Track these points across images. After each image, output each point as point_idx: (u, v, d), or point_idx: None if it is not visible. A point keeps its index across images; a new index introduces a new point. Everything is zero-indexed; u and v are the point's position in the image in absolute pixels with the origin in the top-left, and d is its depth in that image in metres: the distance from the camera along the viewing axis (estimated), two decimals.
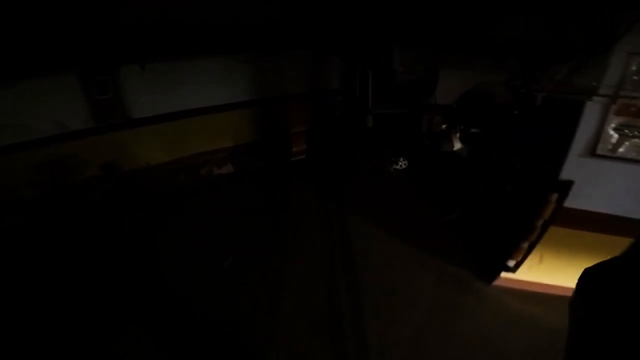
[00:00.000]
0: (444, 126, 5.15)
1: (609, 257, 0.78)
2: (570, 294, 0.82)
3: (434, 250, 3.14)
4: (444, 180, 4.24)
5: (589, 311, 0.74)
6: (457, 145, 4.90)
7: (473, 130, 4.82)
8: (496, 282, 2.77)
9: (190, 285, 2.79)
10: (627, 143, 1.86)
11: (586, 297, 0.76)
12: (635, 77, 1.75)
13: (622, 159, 1.90)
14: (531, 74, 2.85)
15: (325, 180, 4.46)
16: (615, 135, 1.87)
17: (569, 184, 2.07)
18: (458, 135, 4.92)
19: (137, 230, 3.50)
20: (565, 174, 2.06)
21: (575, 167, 2.01)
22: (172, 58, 3.81)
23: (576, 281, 0.79)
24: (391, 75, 4.34)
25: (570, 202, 2.12)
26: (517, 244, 2.51)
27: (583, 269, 0.79)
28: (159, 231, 3.49)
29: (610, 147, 1.89)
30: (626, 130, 1.84)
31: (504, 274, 2.72)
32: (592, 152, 1.93)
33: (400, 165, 4.60)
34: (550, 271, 2.59)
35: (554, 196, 2.15)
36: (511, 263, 2.63)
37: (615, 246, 1.04)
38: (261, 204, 3.96)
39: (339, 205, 3.85)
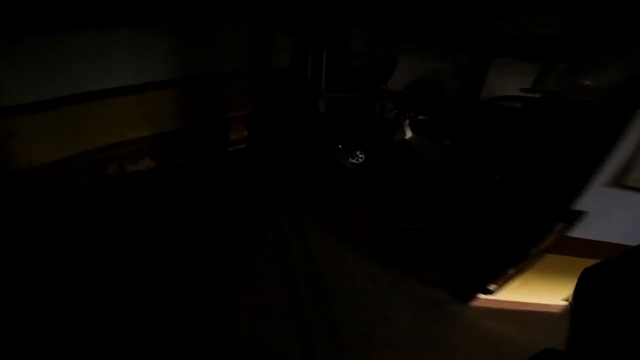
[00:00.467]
0: (394, 112, 4.80)
1: None
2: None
3: (404, 268, 2.80)
4: (404, 181, 3.90)
5: (588, 311, 0.73)
6: (409, 134, 4.61)
7: (421, 117, 4.56)
8: (473, 303, 2.54)
9: None
10: None
11: (585, 297, 0.75)
12: None
13: None
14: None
15: (271, 177, 3.78)
16: None
17: (580, 215, 1.79)
18: (408, 122, 4.63)
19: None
20: (579, 203, 1.76)
21: (593, 197, 1.71)
22: (60, 30, 2.70)
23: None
24: (348, 58, 3.74)
25: (577, 232, 1.86)
26: (503, 269, 2.25)
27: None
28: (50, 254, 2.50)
29: None
30: None
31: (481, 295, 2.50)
32: (618, 182, 1.64)
33: (357, 159, 4.12)
34: (530, 290, 2.42)
35: (559, 226, 1.87)
36: (492, 287, 2.39)
37: None
38: (191, 209, 3.15)
39: (292, 213, 3.25)
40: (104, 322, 2.10)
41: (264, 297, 2.42)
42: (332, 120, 3.99)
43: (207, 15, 3.49)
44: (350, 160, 4.11)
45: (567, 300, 2.39)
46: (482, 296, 2.49)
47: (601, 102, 1.88)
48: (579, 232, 1.85)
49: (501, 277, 2.29)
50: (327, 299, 2.46)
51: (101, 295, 2.27)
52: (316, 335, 2.21)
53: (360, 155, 4.11)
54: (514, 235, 2.18)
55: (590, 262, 0.76)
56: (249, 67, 4.03)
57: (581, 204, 1.75)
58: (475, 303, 2.53)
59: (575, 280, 0.76)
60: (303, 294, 2.47)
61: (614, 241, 1.86)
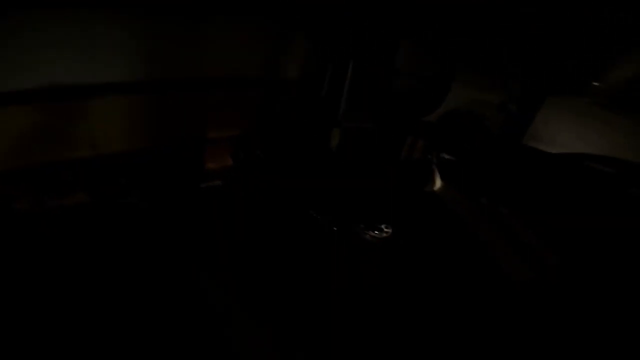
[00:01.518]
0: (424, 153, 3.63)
1: None
2: None
3: None
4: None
5: None
6: (438, 183, 3.41)
7: (447, 157, 3.38)
8: None
9: None
10: None
11: None
12: None
13: None
14: None
15: (258, 251, 2.51)
16: None
17: None
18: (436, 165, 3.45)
19: None
20: None
21: None
22: None
23: None
24: (386, 76, 2.66)
25: None
26: None
27: None
28: None
29: None
30: None
31: None
32: None
33: (382, 233, 2.84)
34: None
35: None
36: None
37: None
38: (132, 285, 2.08)
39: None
40: None
41: None
42: (346, 162, 2.91)
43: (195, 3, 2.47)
44: (373, 233, 2.79)
45: None
46: None
47: None
48: None
49: None
50: None
51: None
52: None
53: (387, 230, 2.84)
54: None
55: None
56: (243, 73, 2.95)
57: None
58: None
59: None
60: None
61: None
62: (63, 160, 2.44)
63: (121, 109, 2.58)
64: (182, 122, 2.88)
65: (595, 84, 2.48)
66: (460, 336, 1.97)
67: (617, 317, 1.96)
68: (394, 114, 2.89)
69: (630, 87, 2.27)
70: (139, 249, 2.28)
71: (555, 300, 2.04)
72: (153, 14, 2.41)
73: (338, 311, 2.05)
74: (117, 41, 2.37)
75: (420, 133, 3.38)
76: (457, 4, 2.53)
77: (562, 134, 2.77)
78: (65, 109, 2.38)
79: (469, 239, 2.59)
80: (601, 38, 2.25)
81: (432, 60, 2.81)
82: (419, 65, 2.78)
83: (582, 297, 2.06)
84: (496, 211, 2.75)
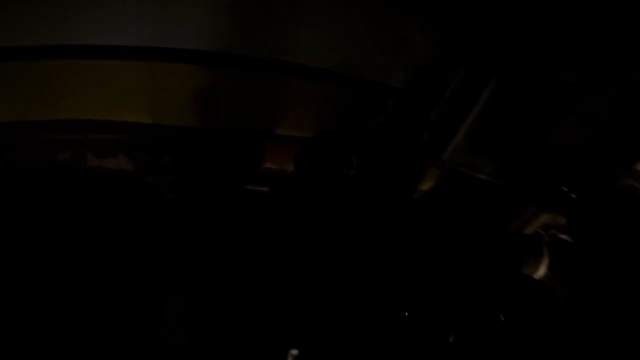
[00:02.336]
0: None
1: None
2: None
3: None
4: None
5: None
6: (542, 271, 2.26)
7: (565, 237, 2.16)
8: None
9: None
10: None
11: None
12: None
13: None
14: None
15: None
16: None
17: None
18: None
19: None
20: None
21: None
22: None
23: None
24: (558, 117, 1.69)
25: None
26: None
27: None
28: None
29: None
30: None
31: None
32: None
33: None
34: None
35: None
36: None
37: None
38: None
39: None
40: None
41: None
42: (430, 220, 2.04)
43: None
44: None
45: None
46: None
47: None
48: None
49: None
50: None
51: None
52: None
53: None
54: None
55: None
56: (334, 66, 2.31)
57: None
58: None
59: None
60: None
61: None
62: (117, 121, 2.21)
63: (188, 79, 2.22)
64: (250, 107, 2.41)
65: None
66: None
67: None
68: (543, 173, 1.90)
69: None
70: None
71: None
72: None
73: None
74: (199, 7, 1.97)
75: (554, 206, 2.27)
76: None
77: None
78: (130, 67, 2.10)
79: None
80: None
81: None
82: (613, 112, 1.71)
83: None
84: None
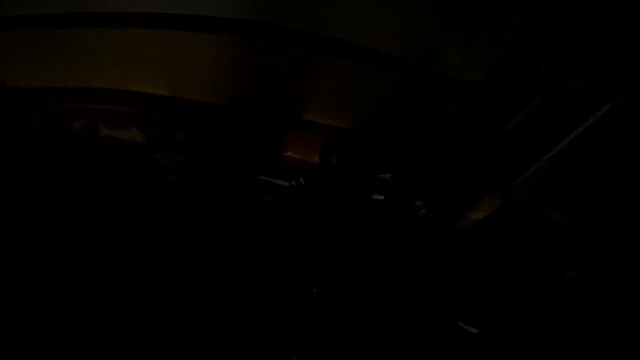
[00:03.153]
0: None
1: None
2: None
3: None
4: None
5: None
6: None
7: None
8: None
9: None
10: None
11: None
12: None
13: None
14: None
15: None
16: None
17: None
18: None
19: None
20: None
21: None
22: None
23: None
24: None
25: None
26: None
27: None
28: None
29: None
30: None
31: None
32: None
33: None
34: None
35: None
36: None
37: None
38: None
39: None
40: None
41: None
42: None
43: None
44: None
45: None
46: None
47: None
48: None
49: None
50: None
51: None
52: None
53: None
54: None
55: None
56: (383, 45, 1.91)
57: None
58: None
59: None
60: None
61: None
62: (133, 92, 2.05)
63: (210, 50, 1.98)
64: (276, 86, 2.10)
65: None
66: None
67: None
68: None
69: None
70: None
71: None
72: None
73: None
74: None
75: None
76: None
77: None
78: (149, 36, 1.91)
79: None
80: None
81: None
82: None
83: None
84: None
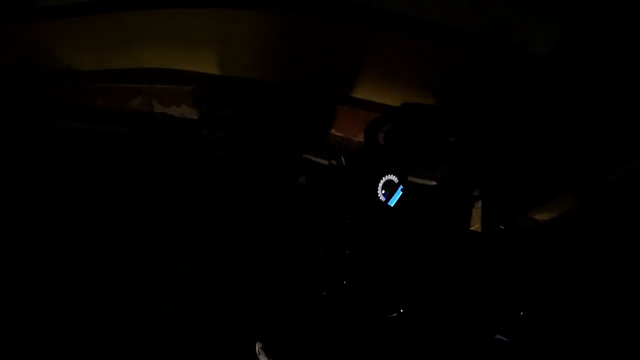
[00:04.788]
0: None
1: None
2: None
3: None
4: None
5: None
6: None
7: None
8: None
9: None
10: None
11: None
12: None
13: None
14: None
15: None
16: None
17: None
18: None
19: None
20: None
21: None
22: None
23: None
24: None
25: None
26: None
27: None
28: None
29: None
30: None
31: None
32: None
33: None
34: None
35: None
36: None
37: None
38: None
39: None
40: None
41: None
42: None
43: None
44: None
45: None
46: None
47: None
48: None
49: None
50: None
51: None
52: None
53: None
54: None
55: None
56: (447, 18, 1.69)
57: None
58: None
59: None
60: None
61: None
62: (183, 71, 2.09)
63: (259, 27, 1.90)
64: (326, 62, 1.98)
65: None
66: None
67: None
68: None
69: None
70: None
71: None
72: None
73: None
74: None
75: None
76: None
77: None
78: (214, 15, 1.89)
79: None
80: None
81: None
82: None
83: None
84: None
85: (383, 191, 1.49)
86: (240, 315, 1.55)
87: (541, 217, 1.78)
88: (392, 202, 1.51)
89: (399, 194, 1.52)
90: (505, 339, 1.30)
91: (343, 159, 1.81)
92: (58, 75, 2.13)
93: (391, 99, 2.04)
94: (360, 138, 2.08)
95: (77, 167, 1.98)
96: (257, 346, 1.45)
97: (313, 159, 2.02)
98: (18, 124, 2.12)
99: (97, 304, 1.50)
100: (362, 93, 2.07)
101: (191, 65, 2.06)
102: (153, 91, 2.14)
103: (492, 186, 2.01)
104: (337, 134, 2.11)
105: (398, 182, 1.52)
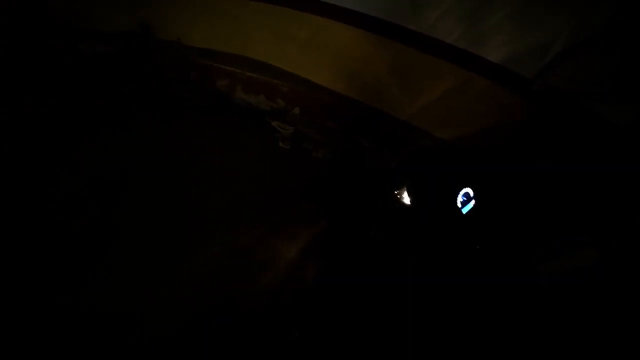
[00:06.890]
0: None
1: None
2: None
3: None
4: None
5: None
6: None
7: None
8: None
9: None
10: None
11: None
12: None
13: None
14: None
15: None
16: None
17: None
18: None
19: None
20: None
21: None
22: None
23: None
24: None
25: None
26: None
27: None
28: None
29: None
30: None
31: None
32: None
33: None
34: None
35: None
36: None
37: None
38: None
39: None
40: None
41: None
42: None
43: None
44: None
45: None
46: None
47: None
48: None
49: None
50: None
51: None
52: None
53: None
54: None
55: None
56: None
57: None
58: None
59: None
60: None
61: None
62: (273, 65, 2.31)
63: (351, 43, 2.08)
64: (396, 89, 2.13)
65: None
66: None
67: None
68: None
69: None
70: None
71: None
72: None
73: None
74: None
75: None
76: None
77: None
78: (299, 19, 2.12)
79: None
80: None
81: None
82: None
83: None
84: None
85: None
86: None
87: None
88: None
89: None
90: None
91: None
92: (165, 45, 2.43)
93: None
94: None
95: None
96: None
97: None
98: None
99: None
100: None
101: (281, 62, 2.28)
102: (242, 77, 2.38)
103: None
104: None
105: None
